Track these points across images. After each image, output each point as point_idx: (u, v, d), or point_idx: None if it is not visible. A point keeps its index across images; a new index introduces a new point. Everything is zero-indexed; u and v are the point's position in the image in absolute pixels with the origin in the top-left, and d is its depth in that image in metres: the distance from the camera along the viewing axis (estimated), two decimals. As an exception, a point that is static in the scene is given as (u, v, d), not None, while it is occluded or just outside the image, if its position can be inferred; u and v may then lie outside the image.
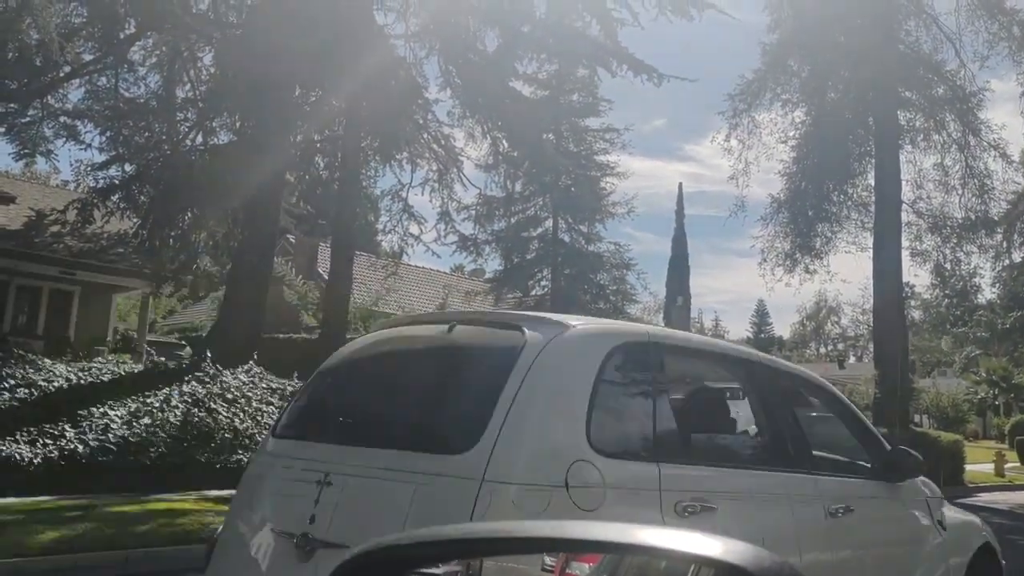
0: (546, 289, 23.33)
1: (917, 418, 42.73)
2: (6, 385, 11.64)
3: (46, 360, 13.33)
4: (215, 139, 16.75)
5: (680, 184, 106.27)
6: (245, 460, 11.97)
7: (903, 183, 24.23)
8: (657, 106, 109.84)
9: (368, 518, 2.98)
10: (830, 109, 24.29)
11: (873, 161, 24.66)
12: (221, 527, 3.70)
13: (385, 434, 3.33)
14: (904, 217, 24.27)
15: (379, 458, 3.08)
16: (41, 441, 10.41)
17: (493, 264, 24.20)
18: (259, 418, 13.34)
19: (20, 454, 10.01)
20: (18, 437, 10.29)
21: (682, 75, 12.26)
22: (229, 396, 13.55)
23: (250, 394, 14.05)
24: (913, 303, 28.90)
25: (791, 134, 25.53)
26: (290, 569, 3.01)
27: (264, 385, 14.82)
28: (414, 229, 13.15)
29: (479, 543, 1.27)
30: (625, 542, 1.14)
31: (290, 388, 14.96)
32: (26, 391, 11.67)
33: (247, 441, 12.47)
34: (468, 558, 1.45)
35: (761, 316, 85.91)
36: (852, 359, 71.21)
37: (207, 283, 21.71)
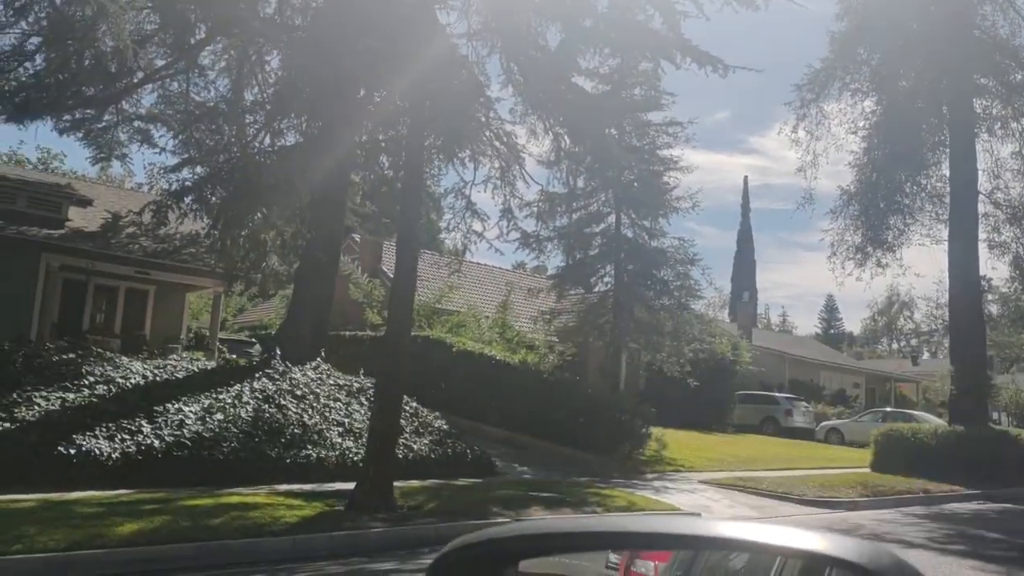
0: (609, 285, 23.14)
1: (995, 415, 41.23)
2: (86, 382, 12.08)
3: (123, 358, 13.78)
4: (283, 141, 17.03)
5: (745, 177, 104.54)
6: (314, 455, 12.21)
7: (979, 173, 23.39)
8: (721, 99, 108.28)
9: None
10: (902, 98, 23.56)
11: (947, 151, 23.84)
12: None
13: None
14: (981, 208, 23.45)
15: None
16: (119, 436, 10.77)
17: (555, 260, 24.11)
18: (327, 414, 13.57)
19: (99, 449, 10.38)
20: (97, 432, 10.68)
21: (747, 66, 11.96)
22: (298, 392, 13.82)
23: (318, 390, 14.31)
24: (991, 296, 27.81)
25: (861, 124, 24.87)
26: None
27: (331, 381, 15.07)
28: (477, 226, 13.12)
29: (582, 537, 1.25)
30: (740, 539, 1.11)
31: (356, 384, 15.19)
32: (104, 388, 12.09)
33: (315, 436, 12.70)
34: (570, 552, 1.44)
35: (830, 311, 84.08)
36: (926, 355, 69.13)
37: (276, 281, 22.18)
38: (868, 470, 18.88)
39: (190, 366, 14.39)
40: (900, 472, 17.61)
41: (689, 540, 1.23)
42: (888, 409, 33.73)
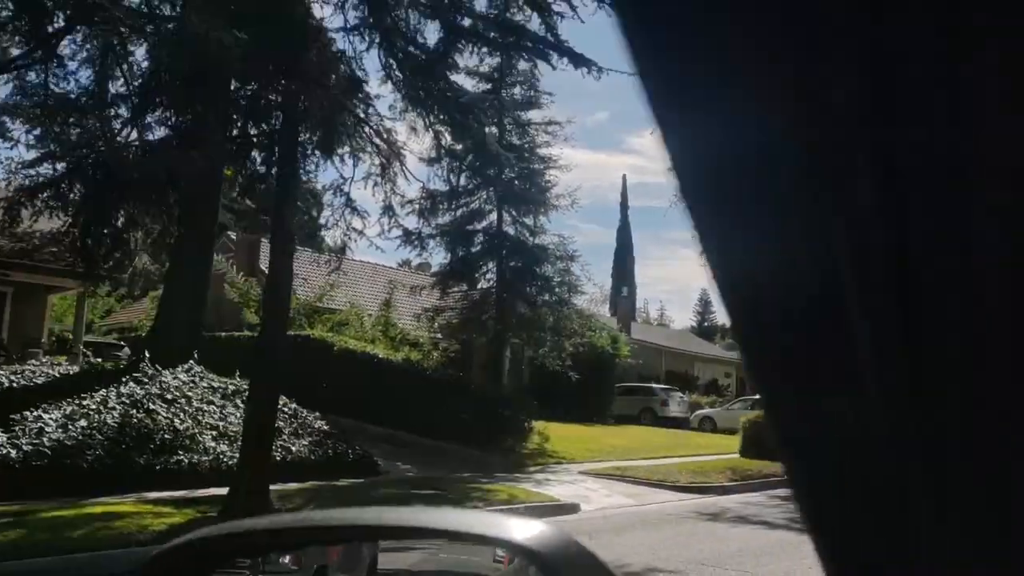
0: (492, 282, 23.36)
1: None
2: (-67, 390, 11.32)
3: (-25, 364, 12.98)
4: (150, 135, 16.39)
5: (624, 176, 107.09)
6: (186, 461, 11.81)
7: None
8: (601, 99, 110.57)
9: None
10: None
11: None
12: None
13: None
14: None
15: None
16: (-29, 447, 10.14)
17: (438, 258, 24.17)
18: (200, 418, 13.16)
19: (-51, 461, 9.74)
20: (-54, 444, 10.01)
21: (622, 69, 12.33)
22: (168, 396, 13.35)
23: (190, 394, 13.85)
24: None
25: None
26: None
27: (205, 384, 14.61)
28: (357, 224, 13.01)
29: (288, 533, 1.27)
30: (431, 527, 1.16)
31: (231, 387, 14.77)
32: (-46, 396, 11.35)
33: (187, 442, 12.30)
34: (280, 550, 1.44)
35: (704, 305, 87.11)
36: (794, 345, 72.59)
37: (147, 281, 21.32)
38: (738, 456, 19.74)
39: (51, 371, 13.71)
40: (767, 456, 18.45)
41: (360, 531, 1.26)
42: (756, 397, 35.20)
